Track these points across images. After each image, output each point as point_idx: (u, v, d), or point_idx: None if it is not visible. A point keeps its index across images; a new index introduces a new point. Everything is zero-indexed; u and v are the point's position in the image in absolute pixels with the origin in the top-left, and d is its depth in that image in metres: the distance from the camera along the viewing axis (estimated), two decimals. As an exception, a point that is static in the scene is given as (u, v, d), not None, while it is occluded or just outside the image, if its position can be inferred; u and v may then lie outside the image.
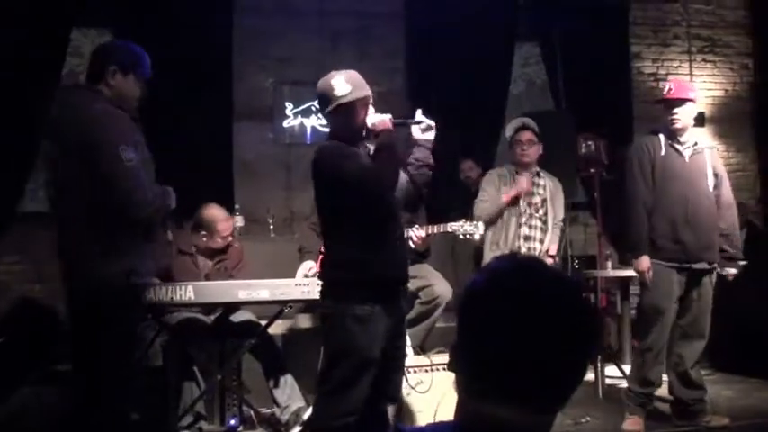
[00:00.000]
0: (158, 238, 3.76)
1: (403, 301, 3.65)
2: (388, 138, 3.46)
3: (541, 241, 5.41)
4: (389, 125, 3.49)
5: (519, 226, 5.31)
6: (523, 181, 5.37)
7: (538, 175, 5.53)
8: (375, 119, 3.50)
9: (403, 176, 3.61)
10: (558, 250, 5.58)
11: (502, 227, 5.33)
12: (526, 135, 5.48)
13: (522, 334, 1.25)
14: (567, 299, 1.30)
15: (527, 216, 5.38)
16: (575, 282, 1.35)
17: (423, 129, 3.68)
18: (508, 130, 5.63)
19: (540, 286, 1.30)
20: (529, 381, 1.26)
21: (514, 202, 5.35)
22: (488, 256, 5.29)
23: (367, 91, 3.51)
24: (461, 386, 1.35)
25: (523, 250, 5.27)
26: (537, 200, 5.47)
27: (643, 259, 4.80)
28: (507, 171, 5.49)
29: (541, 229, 5.44)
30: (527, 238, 5.38)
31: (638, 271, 4.86)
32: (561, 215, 5.60)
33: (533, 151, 5.46)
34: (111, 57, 3.59)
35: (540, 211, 5.46)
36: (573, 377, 1.31)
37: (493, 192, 5.41)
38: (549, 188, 5.52)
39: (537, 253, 5.26)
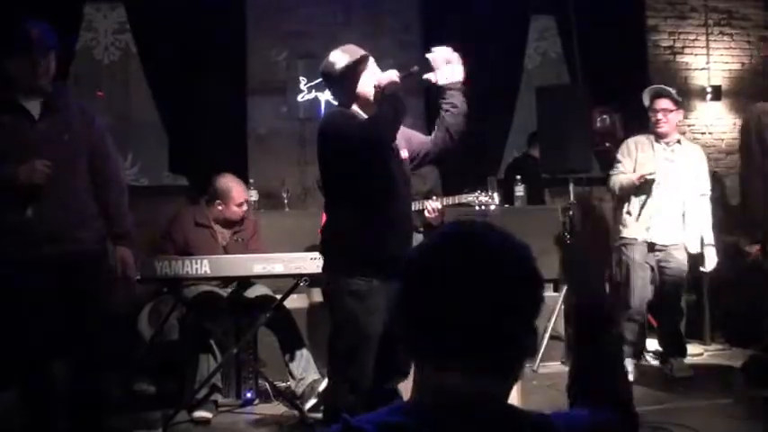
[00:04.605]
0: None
1: None
2: (393, 88, 3.41)
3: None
4: (396, 79, 3.44)
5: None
6: (651, 167, 5.25)
7: (678, 142, 5.41)
8: (381, 76, 3.46)
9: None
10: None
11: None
12: (661, 103, 5.34)
13: (460, 293, 1.26)
14: (510, 262, 1.30)
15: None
16: (521, 245, 1.34)
17: (441, 66, 3.55)
18: (645, 99, 5.45)
19: (486, 249, 1.30)
20: (467, 341, 1.26)
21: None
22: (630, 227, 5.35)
23: (361, 52, 3.49)
24: (406, 352, 1.33)
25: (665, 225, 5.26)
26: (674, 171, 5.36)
27: None
28: (647, 140, 5.39)
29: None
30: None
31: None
32: (705, 185, 5.45)
33: (670, 119, 5.32)
34: None
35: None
36: (517, 341, 1.30)
37: (629, 164, 5.35)
38: (686, 158, 5.39)
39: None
